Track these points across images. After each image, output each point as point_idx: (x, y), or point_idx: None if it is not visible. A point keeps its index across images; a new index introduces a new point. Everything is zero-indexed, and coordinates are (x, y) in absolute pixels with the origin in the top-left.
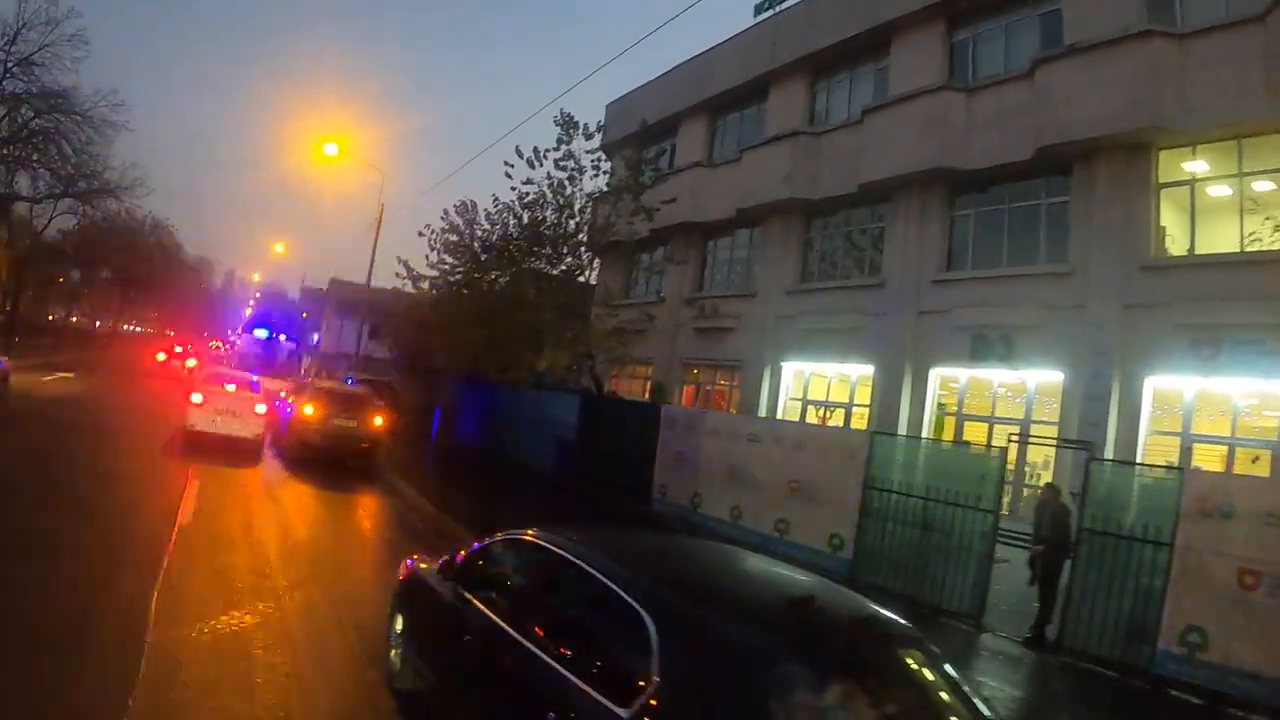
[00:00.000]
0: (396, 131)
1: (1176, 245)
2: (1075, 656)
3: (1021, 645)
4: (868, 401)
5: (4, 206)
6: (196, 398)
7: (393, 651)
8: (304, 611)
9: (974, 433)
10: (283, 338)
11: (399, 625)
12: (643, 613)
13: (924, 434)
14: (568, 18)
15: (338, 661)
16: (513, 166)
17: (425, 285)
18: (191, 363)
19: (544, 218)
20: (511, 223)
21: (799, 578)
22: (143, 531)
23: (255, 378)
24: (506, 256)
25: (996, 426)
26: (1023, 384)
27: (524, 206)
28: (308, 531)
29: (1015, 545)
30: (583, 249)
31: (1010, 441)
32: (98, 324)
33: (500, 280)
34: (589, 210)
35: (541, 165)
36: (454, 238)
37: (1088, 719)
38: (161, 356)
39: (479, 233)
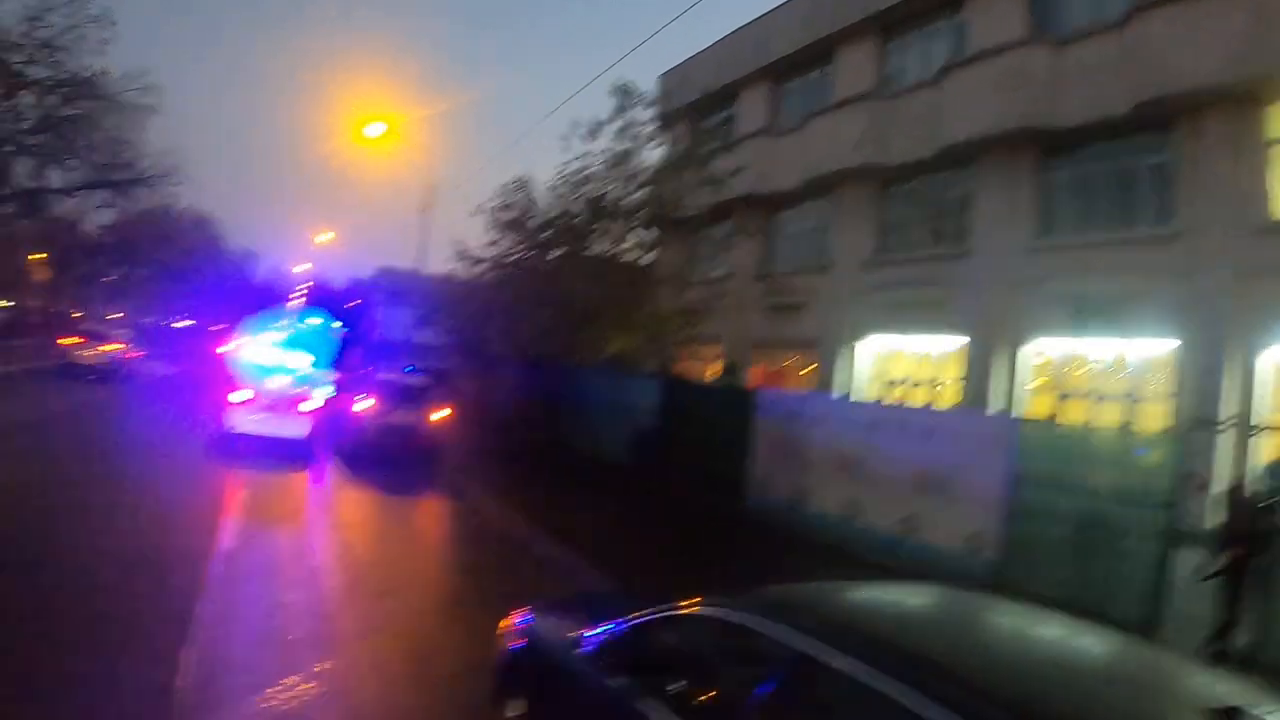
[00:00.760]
0: (444, 109)
1: None
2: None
3: (1210, 659)
4: (955, 379)
5: (37, 202)
6: (236, 395)
7: None
8: (378, 673)
9: (1074, 410)
10: (332, 325)
11: (516, 711)
12: None
13: (1018, 412)
14: None
15: None
16: (570, 140)
17: (482, 267)
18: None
19: (606, 191)
20: (572, 198)
21: (1196, 675)
22: (171, 564)
23: (306, 369)
24: (569, 233)
25: (1100, 403)
26: (1127, 357)
27: (584, 180)
28: (372, 553)
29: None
30: (646, 226)
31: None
32: (145, 320)
33: (562, 259)
34: (651, 185)
35: (599, 138)
36: (511, 216)
37: None
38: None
39: (538, 209)
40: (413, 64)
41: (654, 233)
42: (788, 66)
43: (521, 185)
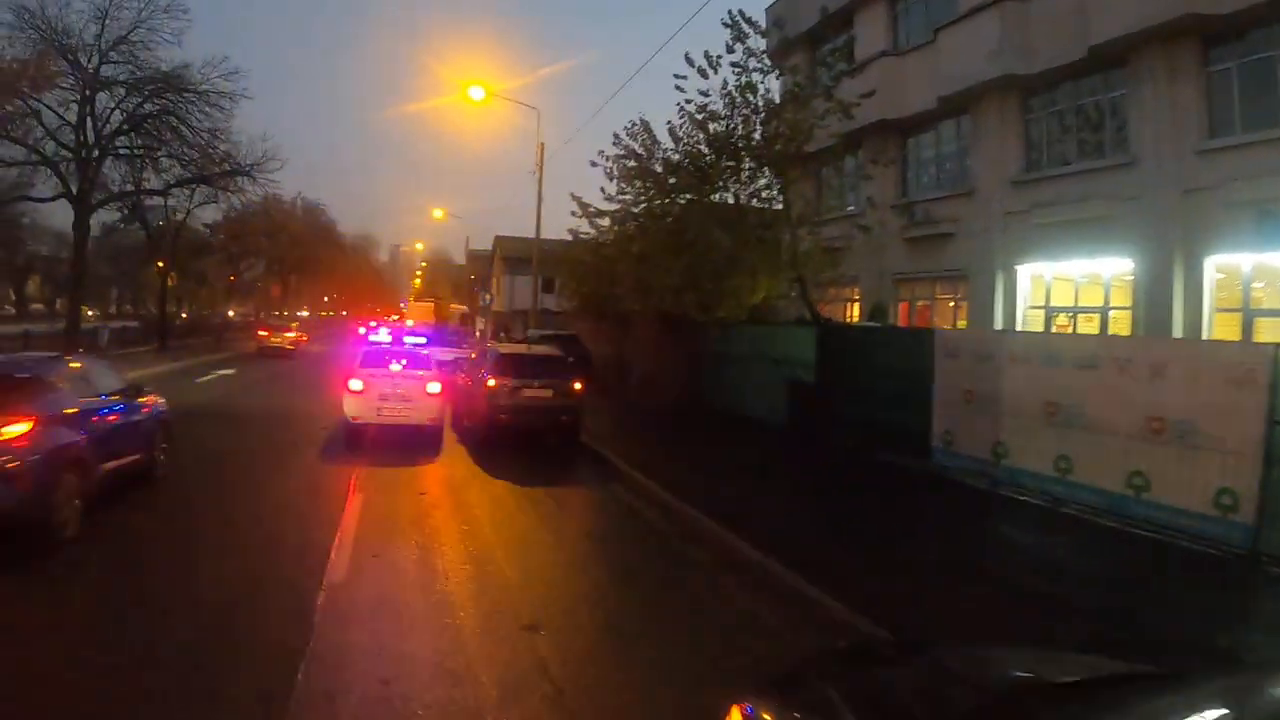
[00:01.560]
0: (547, 62)
1: None
2: None
3: None
4: (1128, 304)
5: (136, 205)
6: (355, 384)
7: None
8: None
9: (1265, 334)
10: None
11: None
12: None
13: (1203, 335)
14: None
15: None
16: (684, 77)
17: (605, 222)
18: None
19: (734, 126)
20: (696, 139)
21: None
22: (274, 595)
23: (425, 351)
24: (698, 176)
25: None
26: None
27: (708, 119)
28: (520, 569)
29: None
30: (774, 163)
31: None
32: (261, 315)
33: (692, 205)
34: (777, 118)
35: (716, 73)
36: (632, 163)
37: None
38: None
39: (661, 153)
40: (512, 26)
41: (784, 170)
42: None
43: (642, 128)
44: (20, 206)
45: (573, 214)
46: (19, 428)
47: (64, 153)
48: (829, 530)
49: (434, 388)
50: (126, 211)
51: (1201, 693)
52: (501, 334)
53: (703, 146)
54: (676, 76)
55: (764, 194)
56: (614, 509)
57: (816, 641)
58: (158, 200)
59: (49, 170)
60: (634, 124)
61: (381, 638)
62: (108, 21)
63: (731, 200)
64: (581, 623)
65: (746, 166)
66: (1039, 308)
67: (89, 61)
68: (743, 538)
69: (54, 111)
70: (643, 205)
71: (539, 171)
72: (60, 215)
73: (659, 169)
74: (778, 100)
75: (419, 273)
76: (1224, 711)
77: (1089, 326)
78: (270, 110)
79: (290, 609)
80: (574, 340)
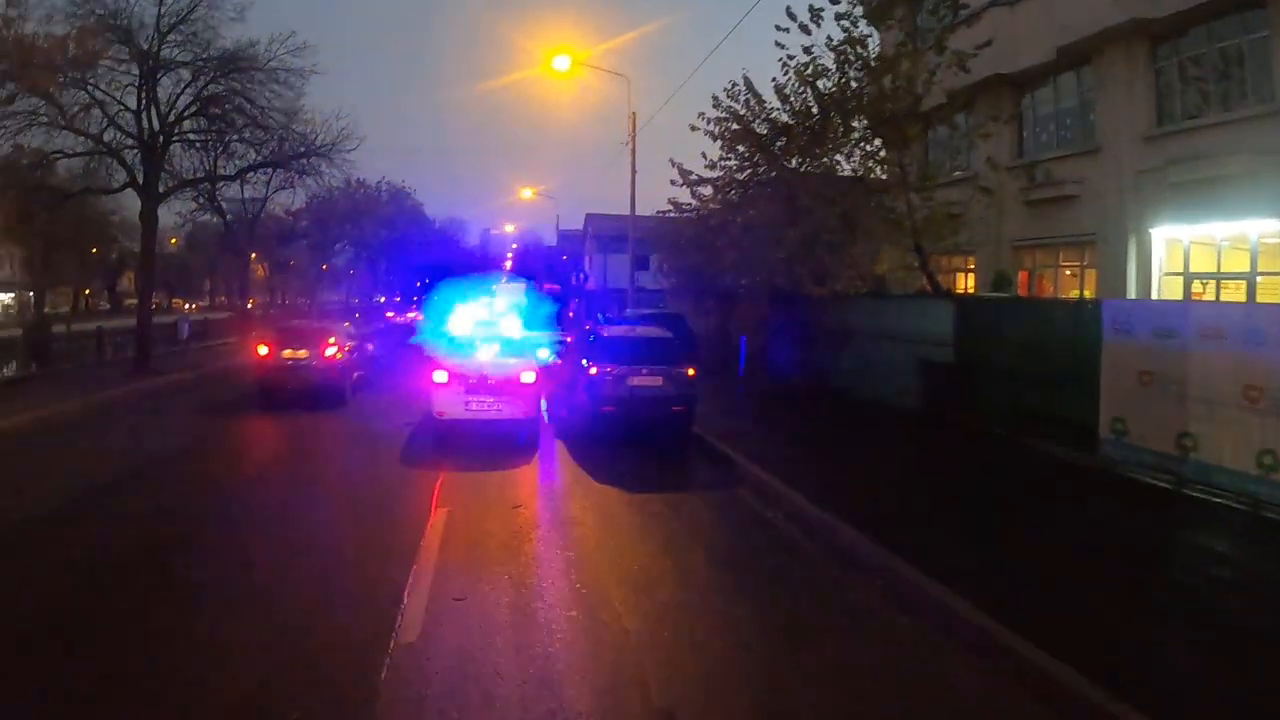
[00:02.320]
0: (634, 26)
1: None
2: None
3: None
4: (1278, 268)
5: (211, 194)
6: (440, 375)
7: None
8: None
9: None
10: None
11: None
12: None
13: None
14: None
15: None
16: (786, 30)
17: (707, 190)
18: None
19: (845, 82)
20: (807, 96)
21: None
22: (331, 660)
23: (518, 335)
24: (809, 137)
25: None
26: None
27: (816, 75)
28: (640, 617)
29: None
30: (887, 121)
31: None
32: (356, 301)
33: (805, 168)
34: (891, 71)
35: (819, 26)
36: (736, 126)
37: None
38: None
39: (766, 114)
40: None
41: (902, 129)
42: None
43: (746, 87)
44: (110, 203)
45: (672, 183)
46: (331, 350)
47: (128, 141)
48: (1005, 549)
49: (529, 377)
50: (204, 200)
51: None
52: (598, 314)
53: (813, 105)
54: (778, 29)
55: (881, 155)
56: (745, 523)
57: None
58: (235, 188)
59: (115, 160)
60: (734, 85)
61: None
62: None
63: (845, 164)
64: (731, 705)
65: (859, 126)
66: (1176, 274)
67: (148, 44)
68: (904, 558)
69: (110, 95)
70: (748, 172)
71: (631, 142)
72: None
73: (763, 131)
74: (893, 52)
75: (509, 255)
76: None
77: (1233, 294)
78: (347, 91)
79: (352, 674)
80: (678, 319)
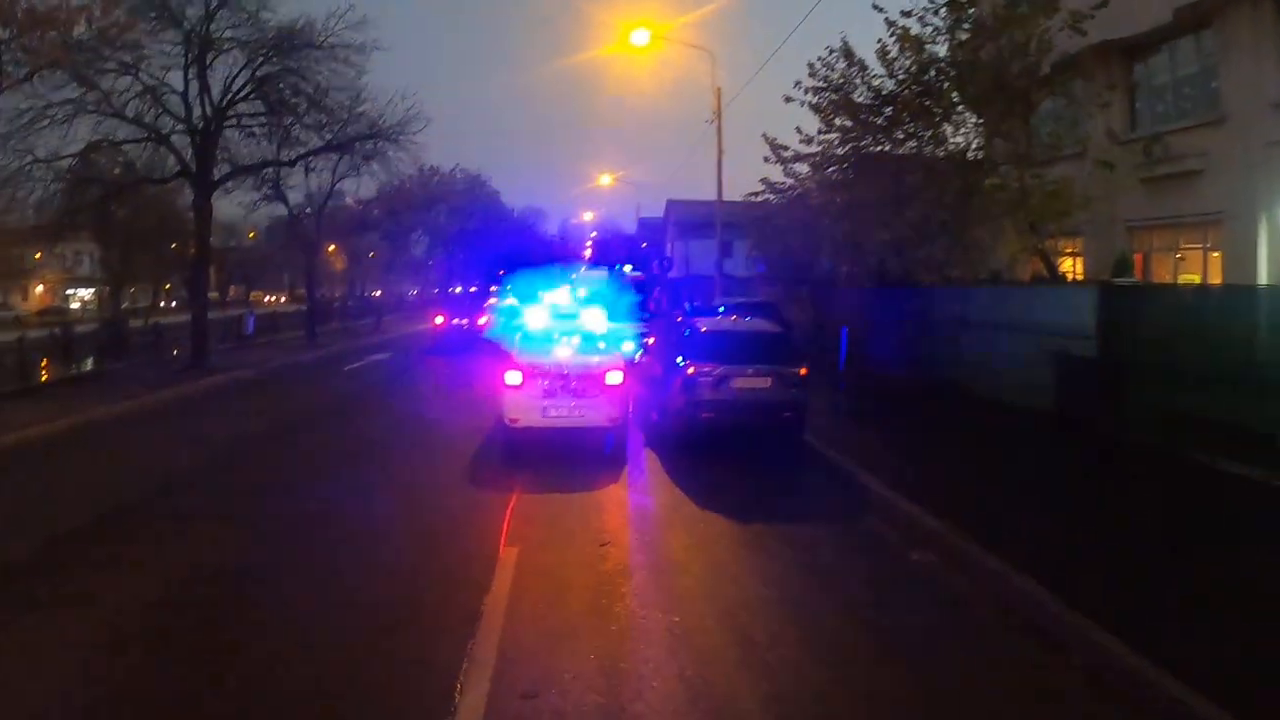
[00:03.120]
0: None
1: None
2: None
3: None
4: None
5: (275, 182)
6: (513, 376)
7: None
8: None
9: None
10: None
11: None
12: None
13: None
14: None
15: None
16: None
17: (803, 168)
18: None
19: (959, 42)
20: (913, 60)
21: None
22: None
23: (601, 329)
24: (919, 110)
25: None
26: None
27: (925, 39)
28: (772, 712)
29: None
30: (1006, 89)
31: None
32: (436, 292)
33: (916, 144)
34: (1014, 28)
35: None
36: (835, 96)
37: None
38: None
39: (869, 81)
40: None
41: (1023, 98)
42: None
43: (846, 53)
44: (188, 199)
45: (765, 160)
46: (483, 319)
47: (178, 126)
48: (1236, 619)
49: (615, 377)
50: (269, 190)
51: None
52: (687, 304)
53: (925, 71)
54: None
55: (1001, 126)
56: (890, 570)
57: None
58: (299, 176)
59: (164, 147)
60: (831, 51)
61: None
62: None
63: (961, 138)
64: None
65: (970, 95)
66: None
67: (197, 25)
68: (1121, 637)
69: (157, 80)
70: (849, 147)
71: (717, 120)
72: (226, 206)
73: (867, 101)
74: (1006, 14)
75: (589, 243)
76: None
77: None
78: (411, 71)
79: None
80: (772, 309)
